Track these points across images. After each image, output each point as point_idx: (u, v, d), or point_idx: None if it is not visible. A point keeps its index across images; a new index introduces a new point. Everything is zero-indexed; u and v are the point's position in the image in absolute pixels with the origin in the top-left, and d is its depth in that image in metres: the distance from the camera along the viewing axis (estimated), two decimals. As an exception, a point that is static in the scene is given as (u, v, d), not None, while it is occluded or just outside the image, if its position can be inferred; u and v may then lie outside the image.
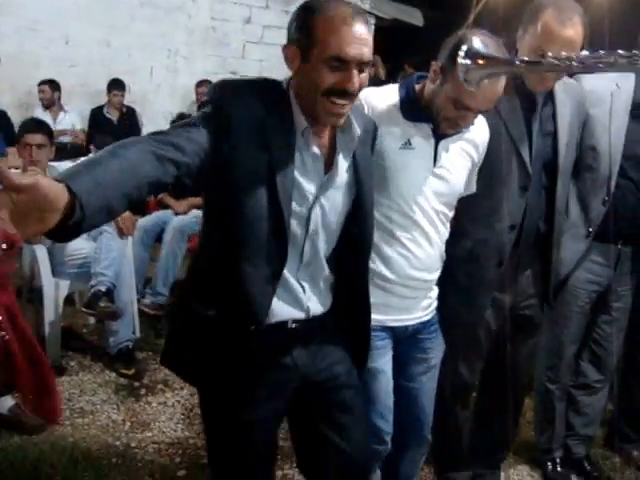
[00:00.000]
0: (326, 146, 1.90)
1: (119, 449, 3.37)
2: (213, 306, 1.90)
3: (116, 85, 7.82)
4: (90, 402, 3.80)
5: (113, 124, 7.81)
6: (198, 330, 1.95)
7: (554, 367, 3.21)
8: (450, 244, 2.42)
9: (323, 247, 1.96)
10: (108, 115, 7.85)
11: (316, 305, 2.00)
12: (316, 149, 1.86)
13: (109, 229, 4.10)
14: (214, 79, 8.05)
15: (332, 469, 2.11)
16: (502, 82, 2.11)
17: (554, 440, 3.30)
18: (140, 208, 5.33)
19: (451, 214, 2.36)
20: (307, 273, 1.96)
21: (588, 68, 1.49)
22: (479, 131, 2.35)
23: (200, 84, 7.93)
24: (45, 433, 3.42)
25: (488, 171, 2.45)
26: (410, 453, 2.59)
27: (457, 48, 1.95)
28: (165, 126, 7.06)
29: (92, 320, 4.70)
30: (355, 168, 1.95)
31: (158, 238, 5.13)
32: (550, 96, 2.65)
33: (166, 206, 5.26)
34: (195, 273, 2.03)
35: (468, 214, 2.46)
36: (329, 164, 1.90)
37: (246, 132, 1.75)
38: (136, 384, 4.02)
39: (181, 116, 5.81)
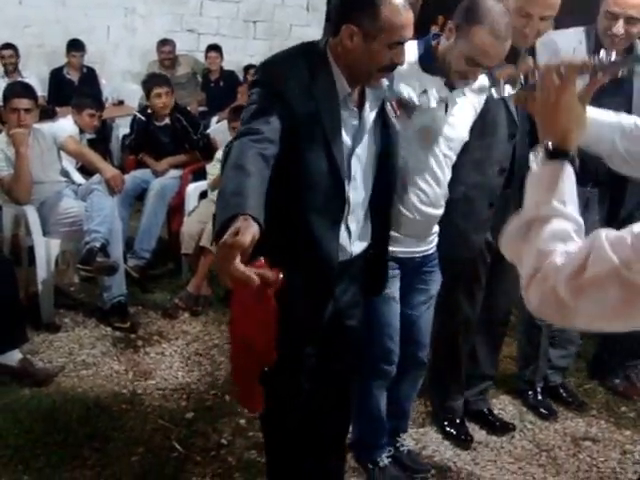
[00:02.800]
0: (356, 100, 2.14)
1: (126, 396, 3.55)
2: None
3: (75, 46, 7.75)
4: (91, 355, 3.95)
5: (74, 85, 7.76)
6: None
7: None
8: (447, 187, 2.70)
9: (362, 193, 2.21)
10: (68, 76, 7.79)
11: (357, 246, 2.27)
12: (352, 106, 2.11)
13: (99, 187, 4.22)
14: (173, 37, 8.14)
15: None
16: (509, 42, 2.36)
17: (537, 373, 3.61)
18: (121, 167, 5.44)
19: (455, 158, 2.64)
20: (352, 218, 2.21)
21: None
22: (482, 83, 2.61)
23: (163, 43, 7.92)
24: (54, 385, 3.59)
25: (479, 120, 2.71)
26: (409, 374, 2.91)
27: (469, 9, 2.29)
28: (124, 86, 7.07)
29: (77, 279, 4.83)
30: (383, 116, 2.20)
31: (137, 197, 5.25)
32: (531, 50, 2.94)
33: (144, 165, 5.35)
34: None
35: (462, 160, 2.72)
36: (359, 116, 2.14)
37: (298, 101, 1.98)
38: (132, 336, 4.18)
39: (147, 78, 5.83)
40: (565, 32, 3.27)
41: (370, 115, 2.17)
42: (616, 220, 3.36)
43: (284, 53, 2.11)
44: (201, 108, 7.81)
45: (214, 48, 8.16)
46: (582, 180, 3.21)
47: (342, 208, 2.14)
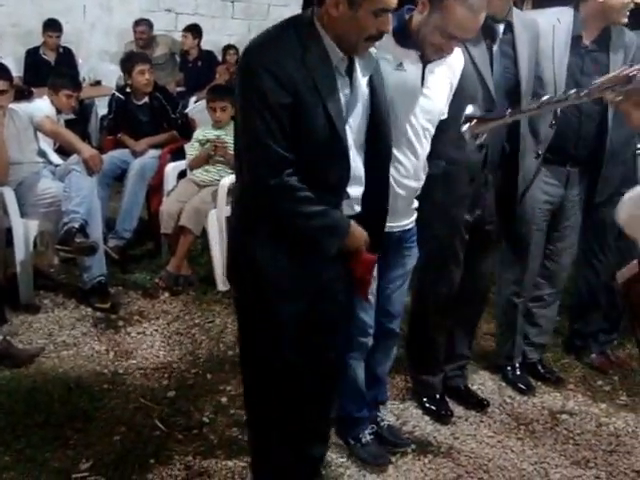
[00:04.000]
0: (346, 69, 2.15)
1: (107, 376, 3.55)
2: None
3: (52, 26, 7.64)
4: (71, 335, 3.95)
5: (50, 65, 7.68)
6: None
7: (519, 282, 3.52)
8: (427, 164, 2.72)
9: (358, 162, 2.24)
10: (45, 56, 7.69)
11: (357, 207, 2.32)
12: (344, 74, 2.12)
13: (77, 167, 4.19)
14: (150, 17, 8.06)
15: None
16: (483, 15, 2.37)
17: (514, 349, 3.66)
18: (100, 147, 5.41)
19: (433, 131, 2.66)
20: (353, 186, 2.25)
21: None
22: (456, 58, 2.65)
23: (139, 23, 7.85)
24: (34, 366, 3.58)
25: (457, 96, 2.73)
26: (382, 344, 2.96)
27: None
28: (101, 66, 7.00)
29: (56, 260, 4.81)
30: (372, 85, 2.21)
31: (116, 177, 5.23)
32: (509, 27, 2.96)
33: (123, 145, 5.32)
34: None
35: (441, 136, 2.73)
36: (351, 85, 2.16)
37: (295, 76, 1.99)
38: (113, 317, 4.18)
39: (128, 56, 5.78)
40: (545, 11, 3.30)
41: (361, 84, 2.18)
42: (595, 198, 3.42)
43: (272, 30, 2.10)
44: (179, 88, 7.76)
45: (192, 28, 8.09)
46: (562, 160, 3.31)
47: (346, 175, 2.18)
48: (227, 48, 8.09)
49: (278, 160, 2.04)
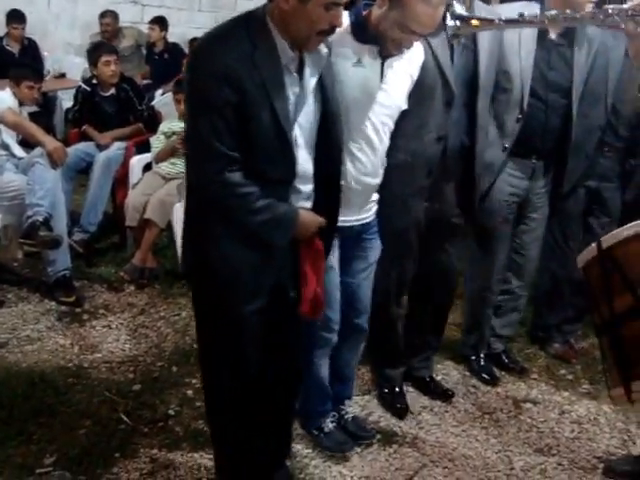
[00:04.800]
0: (296, 66, 2.13)
1: (72, 370, 3.52)
2: None
3: (15, 17, 7.54)
4: (35, 330, 3.91)
5: (14, 57, 7.58)
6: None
7: (487, 276, 3.55)
8: (386, 155, 2.71)
9: (307, 160, 2.24)
10: (8, 48, 7.59)
11: (307, 203, 2.33)
12: (294, 72, 2.11)
13: (41, 160, 4.15)
14: (116, 9, 7.99)
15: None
16: (442, 9, 2.37)
17: (480, 340, 3.70)
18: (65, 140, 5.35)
19: (392, 126, 2.66)
20: (301, 183, 2.25)
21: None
22: (417, 53, 2.65)
23: (105, 15, 7.77)
24: (-3, 360, 3.54)
25: (417, 88, 2.73)
26: (349, 340, 2.96)
27: None
28: (66, 58, 6.88)
29: (20, 254, 4.75)
30: (322, 82, 2.20)
31: (80, 170, 5.17)
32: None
33: (88, 138, 5.26)
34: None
35: (400, 128, 2.73)
36: (300, 83, 2.14)
37: (243, 73, 1.98)
38: (77, 310, 4.15)
39: (94, 46, 5.72)
40: (511, 5, 3.31)
41: (310, 82, 2.17)
42: (560, 190, 3.46)
43: (223, 27, 2.09)
44: (145, 81, 7.70)
45: (158, 20, 8.03)
46: (527, 152, 3.34)
47: (292, 173, 2.17)
48: (194, 41, 8.01)
49: (220, 158, 2.04)
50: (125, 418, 3.13)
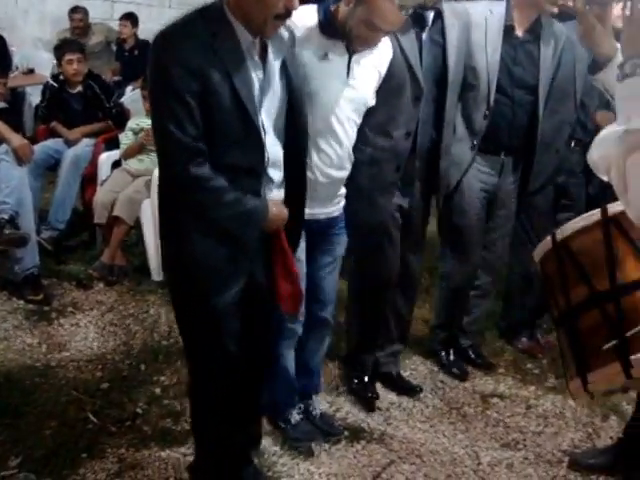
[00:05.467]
0: (259, 52, 2.13)
1: (39, 369, 3.49)
2: None
3: (-18, 12, 7.48)
4: (2, 329, 3.86)
5: (-19, 52, 7.48)
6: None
7: (463, 274, 3.57)
8: (353, 150, 2.73)
9: (277, 146, 2.24)
10: (-25, 43, 7.51)
11: (278, 191, 2.32)
12: (256, 57, 2.11)
13: (6, 157, 4.10)
14: (85, 4, 7.91)
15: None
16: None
17: (450, 336, 3.73)
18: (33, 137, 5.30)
19: (359, 121, 2.68)
20: (273, 170, 2.25)
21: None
22: (384, 49, 2.68)
23: (74, 10, 7.69)
24: (-39, 361, 3.50)
25: (385, 84, 2.75)
26: (315, 333, 2.99)
27: None
28: (35, 54, 6.78)
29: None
30: (285, 69, 2.21)
31: (49, 167, 5.13)
32: (439, 15, 3.00)
33: (56, 134, 5.21)
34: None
35: (368, 123, 2.76)
36: (264, 68, 2.15)
37: (203, 62, 1.98)
38: (46, 309, 4.11)
39: (59, 44, 5.65)
40: (478, 2, 3.33)
41: (274, 67, 2.18)
42: (529, 187, 3.49)
43: (180, 19, 2.08)
44: (115, 77, 7.65)
45: (129, 16, 7.97)
46: (496, 149, 3.36)
47: (261, 159, 2.17)
48: (164, 37, 7.97)
49: (186, 150, 2.03)
50: (92, 417, 3.11)
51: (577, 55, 3.31)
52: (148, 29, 8.24)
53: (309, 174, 2.54)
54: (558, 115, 3.37)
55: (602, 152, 1.30)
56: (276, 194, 2.30)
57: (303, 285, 2.74)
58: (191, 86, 1.98)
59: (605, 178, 1.33)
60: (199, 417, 2.57)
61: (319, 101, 2.48)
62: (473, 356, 3.80)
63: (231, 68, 2.02)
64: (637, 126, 1.25)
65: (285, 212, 2.28)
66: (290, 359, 2.93)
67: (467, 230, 3.45)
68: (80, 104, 5.24)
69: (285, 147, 2.28)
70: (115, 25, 8.18)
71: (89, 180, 5.05)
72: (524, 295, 3.97)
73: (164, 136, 2.06)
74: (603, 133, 1.32)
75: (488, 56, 3.17)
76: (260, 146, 2.15)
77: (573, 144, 3.60)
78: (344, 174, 2.73)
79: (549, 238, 2.14)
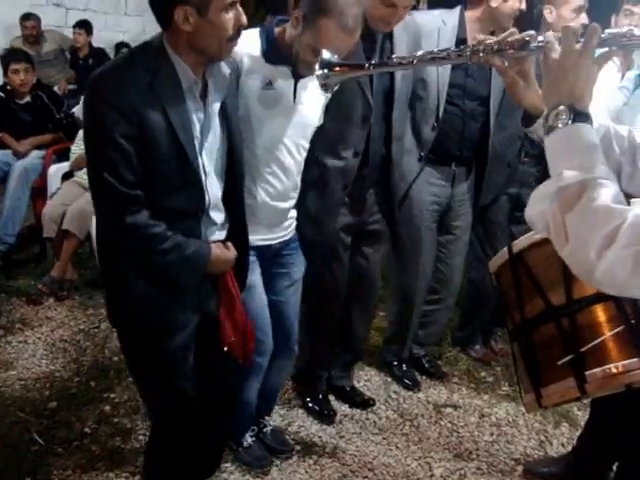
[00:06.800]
0: (200, 91, 2.05)
1: (-16, 389, 3.41)
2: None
3: None
4: (-54, 348, 3.78)
5: None
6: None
7: (412, 286, 3.53)
8: (302, 170, 2.67)
9: (218, 187, 2.17)
10: None
11: (220, 233, 2.25)
12: (198, 97, 2.03)
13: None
14: (38, 12, 7.77)
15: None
16: (357, 34, 2.34)
17: (404, 348, 3.70)
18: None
19: (308, 145, 2.61)
20: (214, 212, 2.18)
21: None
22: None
23: (26, 18, 7.55)
24: None
25: (334, 105, 2.69)
26: (278, 363, 2.90)
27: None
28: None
29: None
30: (224, 107, 2.13)
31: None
32: (389, 34, 2.91)
33: (5, 146, 5.11)
34: None
35: (316, 143, 2.69)
36: (205, 109, 2.07)
37: (141, 105, 1.89)
38: (-7, 326, 4.03)
39: (5, 53, 5.54)
40: (431, 12, 3.30)
41: (215, 107, 2.10)
42: (481, 199, 3.49)
43: (119, 60, 2.03)
44: (70, 86, 7.53)
45: (83, 24, 7.86)
46: (446, 160, 3.34)
47: (201, 202, 2.10)
48: (120, 45, 7.90)
49: (122, 200, 1.95)
50: (38, 438, 3.04)
51: None
52: (104, 37, 8.18)
53: (254, 204, 2.49)
54: (508, 129, 3.37)
55: (539, 209, 1.31)
56: (218, 235, 2.23)
57: (266, 313, 2.69)
58: (127, 130, 1.89)
59: (544, 234, 1.33)
60: (155, 457, 2.46)
61: (264, 131, 2.42)
62: (427, 366, 3.80)
63: (170, 110, 1.94)
64: (569, 182, 1.25)
65: (230, 254, 2.21)
66: (253, 392, 2.85)
67: (414, 242, 3.42)
68: (29, 115, 5.15)
69: (225, 187, 2.21)
70: (69, 32, 8.04)
71: (40, 193, 4.96)
72: (480, 305, 3.96)
73: (99, 184, 1.97)
74: (538, 191, 1.33)
75: (439, 68, 3.15)
76: (200, 189, 2.07)
77: (524, 156, 3.59)
78: (288, 205, 2.66)
79: (505, 250, 2.13)
